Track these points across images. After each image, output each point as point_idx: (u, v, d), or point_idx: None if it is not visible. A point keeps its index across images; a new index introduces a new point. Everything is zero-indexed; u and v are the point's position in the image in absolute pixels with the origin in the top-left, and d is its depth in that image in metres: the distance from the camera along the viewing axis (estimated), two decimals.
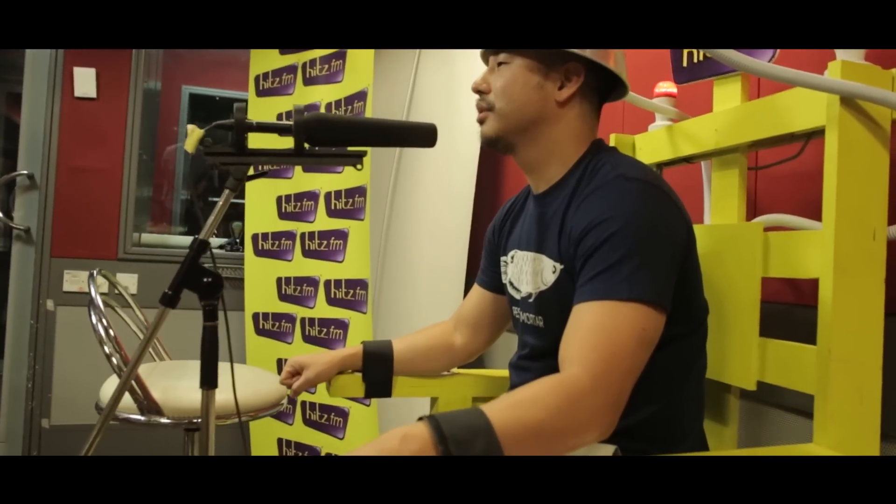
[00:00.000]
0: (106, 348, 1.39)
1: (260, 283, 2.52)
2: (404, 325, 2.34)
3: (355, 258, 2.24)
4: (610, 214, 0.84)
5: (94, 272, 1.61)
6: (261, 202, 2.54)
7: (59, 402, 2.59)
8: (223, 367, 1.03)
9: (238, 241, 2.90)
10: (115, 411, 1.17)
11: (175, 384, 1.51)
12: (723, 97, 1.12)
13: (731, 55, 0.83)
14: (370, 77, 2.23)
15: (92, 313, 1.44)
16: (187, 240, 3.14)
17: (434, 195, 2.37)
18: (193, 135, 0.97)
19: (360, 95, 2.28)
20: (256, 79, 2.60)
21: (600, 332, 0.79)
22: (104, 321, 1.41)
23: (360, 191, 2.24)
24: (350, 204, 2.27)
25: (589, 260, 0.85)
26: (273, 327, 2.48)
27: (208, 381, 0.99)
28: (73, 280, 2.60)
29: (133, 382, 1.34)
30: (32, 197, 2.62)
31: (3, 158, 3.96)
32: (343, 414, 2.27)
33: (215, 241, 2.96)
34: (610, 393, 0.76)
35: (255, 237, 2.54)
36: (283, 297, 2.46)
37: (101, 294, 2.64)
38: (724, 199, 1.10)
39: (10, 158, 3.47)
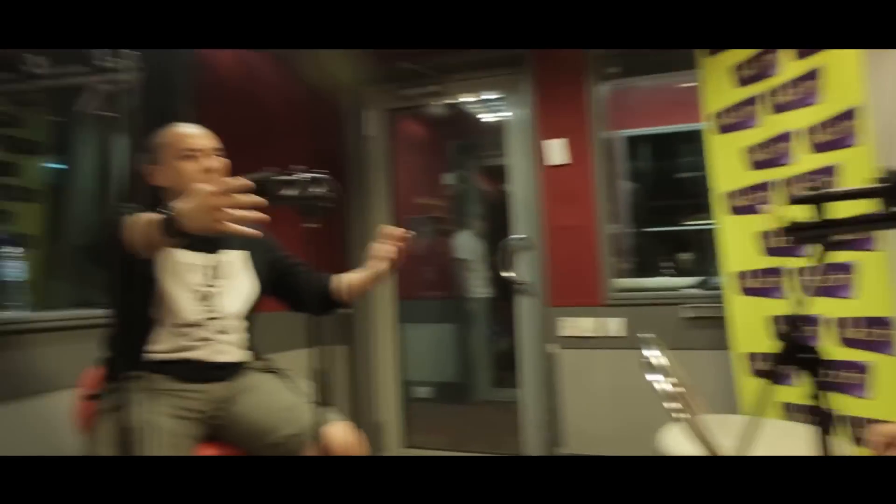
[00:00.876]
0: (672, 404, 1.47)
1: (746, 321, 2.44)
2: None
3: (871, 292, 1.99)
4: None
5: (643, 335, 1.68)
6: (740, 237, 2.49)
7: (572, 433, 2.94)
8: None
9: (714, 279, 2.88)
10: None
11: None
12: None
13: None
14: (858, 92, 1.98)
15: (648, 373, 1.55)
16: (660, 281, 3.27)
17: None
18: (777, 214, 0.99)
19: (846, 115, 2.05)
20: (717, 115, 2.58)
21: None
22: (664, 375, 1.49)
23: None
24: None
25: None
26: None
27: None
28: (569, 326, 2.95)
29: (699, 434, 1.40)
30: (529, 255, 3.09)
31: (481, 222, 4.80)
32: (860, 368, 2.01)
33: (685, 281, 3.00)
34: None
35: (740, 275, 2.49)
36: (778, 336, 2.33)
37: (592, 337, 2.95)
38: None
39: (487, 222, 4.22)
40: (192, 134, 1.69)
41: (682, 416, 1.46)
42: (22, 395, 1.86)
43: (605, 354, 2.90)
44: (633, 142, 3.97)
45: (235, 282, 1.72)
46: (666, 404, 1.48)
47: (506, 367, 4.88)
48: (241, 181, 1.23)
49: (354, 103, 3.46)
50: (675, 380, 1.53)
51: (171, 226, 1.24)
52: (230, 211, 1.19)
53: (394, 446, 3.38)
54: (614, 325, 2.89)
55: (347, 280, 1.82)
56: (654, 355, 1.59)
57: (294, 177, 1.39)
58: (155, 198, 1.71)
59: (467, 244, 4.62)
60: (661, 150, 4.11)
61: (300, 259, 1.88)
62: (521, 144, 3.13)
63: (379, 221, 3.44)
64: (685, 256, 3.84)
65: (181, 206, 1.23)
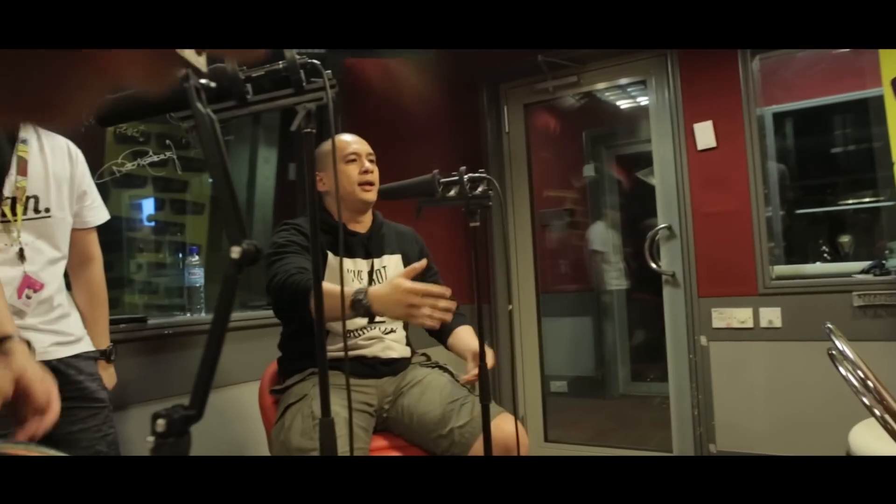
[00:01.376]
0: (865, 399, 1.38)
1: None
2: None
3: None
4: None
5: (828, 325, 1.56)
6: None
7: (723, 428, 2.81)
8: None
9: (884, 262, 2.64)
10: None
11: None
12: None
13: None
14: None
15: (838, 366, 1.45)
16: (821, 268, 3.04)
17: None
18: None
19: None
20: (893, 82, 2.35)
21: None
22: (860, 371, 1.40)
23: None
24: None
25: None
26: None
27: None
28: (721, 317, 2.81)
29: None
30: (674, 245, 2.98)
31: (616, 213, 4.67)
32: None
33: (852, 266, 2.77)
34: None
35: None
36: None
37: (745, 328, 2.79)
38: None
39: (624, 212, 4.09)
40: (350, 140, 1.79)
41: (878, 412, 1.36)
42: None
43: (760, 346, 2.74)
44: (781, 118, 3.70)
45: None
46: (861, 400, 1.38)
47: (645, 361, 4.75)
48: (440, 289, 1.39)
49: (493, 100, 3.49)
50: (866, 372, 1.42)
51: (361, 307, 1.36)
52: (422, 311, 1.37)
53: (535, 441, 3.39)
54: (770, 316, 2.72)
55: (461, 341, 1.78)
56: (839, 347, 1.49)
57: (458, 178, 1.43)
58: (316, 206, 1.83)
59: (602, 235, 4.53)
60: (813, 124, 3.80)
61: (437, 275, 1.92)
62: (664, 129, 3.01)
63: (520, 218, 3.47)
64: (846, 239, 3.53)
65: (376, 292, 1.40)
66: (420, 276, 1.86)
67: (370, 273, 1.78)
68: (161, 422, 0.57)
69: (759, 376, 2.74)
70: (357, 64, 2.84)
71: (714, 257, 2.85)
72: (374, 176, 1.78)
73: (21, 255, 1.44)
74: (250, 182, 2.87)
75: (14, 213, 1.45)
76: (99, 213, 1.66)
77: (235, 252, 0.57)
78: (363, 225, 1.82)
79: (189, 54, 0.33)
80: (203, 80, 0.65)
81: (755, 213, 2.77)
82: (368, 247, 1.80)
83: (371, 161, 1.79)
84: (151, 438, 0.58)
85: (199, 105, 0.59)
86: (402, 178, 1.59)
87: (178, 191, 2.49)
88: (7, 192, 1.43)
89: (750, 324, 2.76)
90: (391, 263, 1.84)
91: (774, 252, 2.90)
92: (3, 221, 1.43)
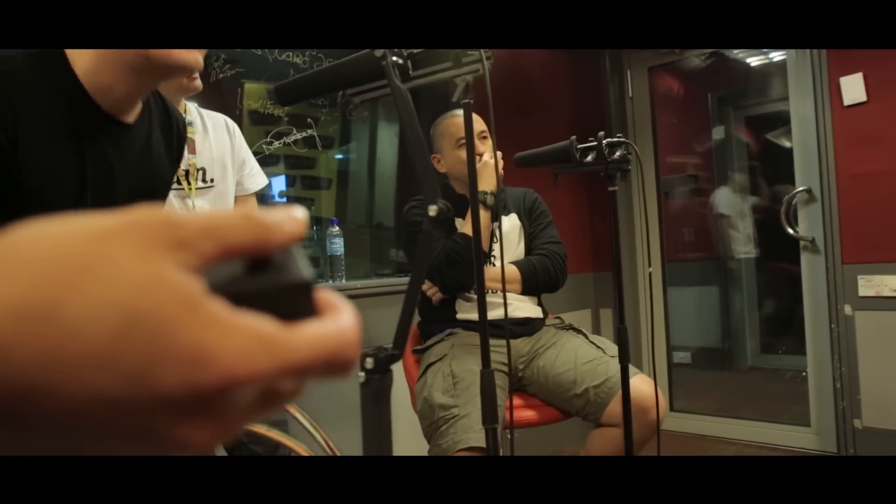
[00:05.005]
0: None
1: None
2: None
3: None
4: None
5: None
6: None
7: (870, 404, 2.65)
8: None
9: None
10: None
11: None
12: None
13: None
14: None
15: None
16: None
17: None
18: None
19: None
20: None
21: None
22: None
23: None
24: None
25: None
26: None
27: None
28: (869, 285, 2.63)
29: None
30: (814, 209, 2.81)
31: (744, 176, 4.44)
32: None
33: None
34: None
35: None
36: None
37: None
38: None
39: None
40: (460, 123, 1.84)
41: None
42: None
43: None
44: None
45: (511, 245, 1.86)
46: None
47: (775, 332, 4.52)
48: None
49: (615, 64, 3.42)
50: None
51: None
52: None
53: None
54: None
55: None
56: None
57: (595, 143, 1.45)
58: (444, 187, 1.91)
59: (728, 200, 4.33)
60: None
61: (550, 234, 1.93)
62: (803, 86, 2.82)
63: (647, 183, 3.40)
64: None
65: None
66: (531, 230, 1.90)
67: (493, 234, 1.84)
68: (369, 360, 0.66)
69: None
70: None
71: (862, 221, 2.66)
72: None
73: None
74: (370, 158, 3.00)
75: (190, 184, 1.65)
76: (258, 179, 1.85)
77: (433, 210, 0.64)
78: None
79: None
80: (395, 58, 0.72)
81: None
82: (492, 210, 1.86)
83: (483, 138, 1.83)
84: (362, 374, 0.66)
85: (395, 80, 0.66)
86: (521, 147, 1.63)
87: (307, 167, 2.65)
88: (182, 166, 1.63)
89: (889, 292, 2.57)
90: (507, 223, 1.90)
91: None
92: (179, 189, 1.64)
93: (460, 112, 1.88)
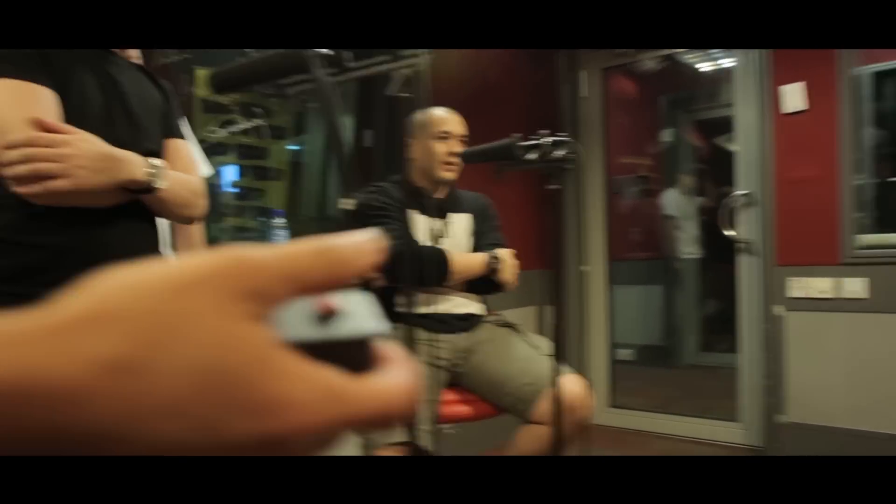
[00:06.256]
0: None
1: None
2: None
3: None
4: None
5: None
6: None
7: (797, 400, 2.77)
8: None
9: None
10: None
11: None
12: None
13: None
14: None
15: None
16: None
17: None
18: None
19: None
20: None
21: None
22: None
23: None
24: None
25: None
26: None
27: None
28: (799, 286, 2.74)
29: None
30: (751, 213, 2.90)
31: (692, 179, 4.56)
32: None
33: None
34: None
35: None
36: None
37: (825, 299, 2.71)
38: None
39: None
40: (447, 118, 1.85)
41: None
42: None
43: (842, 318, 2.66)
44: (881, 78, 3.48)
45: (457, 242, 1.88)
46: None
47: (716, 331, 4.67)
48: None
49: (570, 65, 3.46)
50: None
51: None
52: None
53: (600, 406, 3.43)
54: (855, 286, 2.63)
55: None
56: None
57: (538, 141, 1.47)
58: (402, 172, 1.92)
59: (676, 201, 4.44)
60: None
61: (500, 239, 1.95)
62: (748, 92, 2.91)
63: (594, 183, 3.46)
64: None
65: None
66: (479, 230, 1.92)
67: (441, 230, 1.85)
68: None
69: (840, 348, 2.67)
70: None
71: (795, 225, 2.77)
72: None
73: None
74: (326, 150, 2.97)
75: None
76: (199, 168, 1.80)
77: (350, 203, 0.64)
78: (441, 192, 1.90)
79: None
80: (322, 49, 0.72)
81: (842, 180, 2.66)
82: (442, 207, 1.87)
83: (462, 142, 1.84)
84: None
85: (320, 72, 0.65)
86: (475, 143, 1.64)
87: (258, 157, 2.61)
88: None
89: (831, 294, 2.68)
90: (459, 220, 1.91)
91: (864, 221, 2.78)
92: None
93: (445, 109, 1.90)
